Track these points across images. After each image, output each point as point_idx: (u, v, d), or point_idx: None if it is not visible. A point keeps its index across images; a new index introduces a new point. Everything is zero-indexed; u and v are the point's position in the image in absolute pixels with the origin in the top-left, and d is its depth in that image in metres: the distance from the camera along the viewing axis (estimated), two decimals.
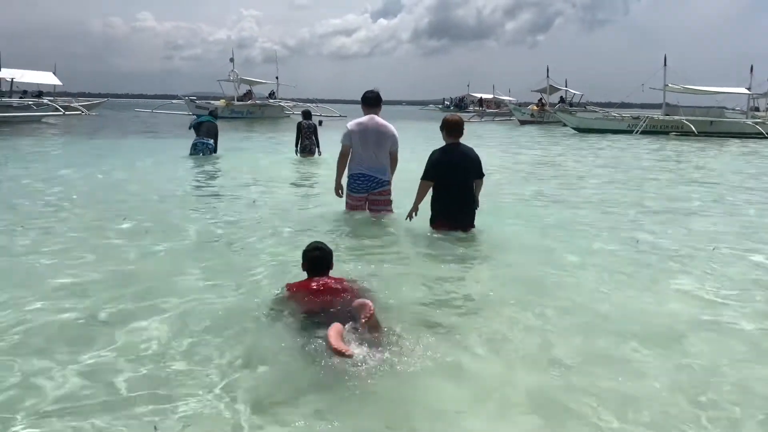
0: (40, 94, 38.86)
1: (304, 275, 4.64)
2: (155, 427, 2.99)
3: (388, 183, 7.64)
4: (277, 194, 10.50)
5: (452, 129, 6.93)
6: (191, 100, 43.83)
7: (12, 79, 34.38)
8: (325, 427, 3.06)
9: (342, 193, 7.77)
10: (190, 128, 15.89)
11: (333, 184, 7.88)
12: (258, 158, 16.68)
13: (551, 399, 3.36)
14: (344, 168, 7.68)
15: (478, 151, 7.14)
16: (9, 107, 30.81)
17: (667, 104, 36.96)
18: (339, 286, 4.40)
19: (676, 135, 32.90)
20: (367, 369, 3.48)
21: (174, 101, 50.00)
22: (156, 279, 5.39)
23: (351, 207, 7.73)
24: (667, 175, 15.13)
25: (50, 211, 8.47)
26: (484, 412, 3.26)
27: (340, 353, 3.48)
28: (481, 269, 5.99)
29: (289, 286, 4.50)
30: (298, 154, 16.08)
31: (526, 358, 3.87)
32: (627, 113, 40.65)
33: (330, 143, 7.91)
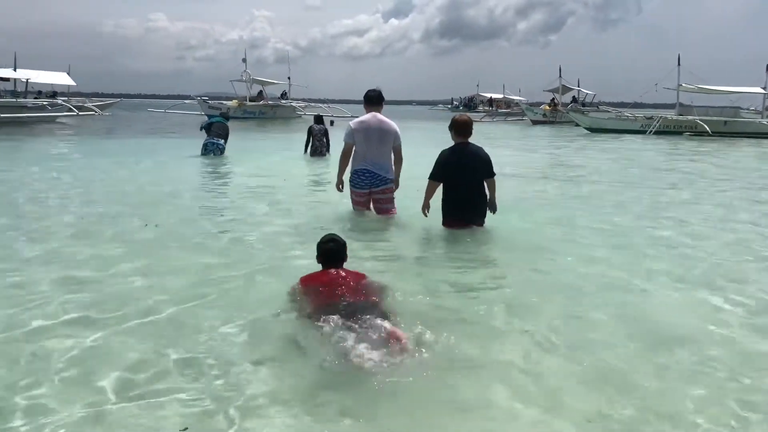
0: (54, 95, 39.20)
1: (317, 267, 4.68)
2: (186, 429, 2.99)
3: (392, 181, 7.74)
4: (287, 193, 10.52)
5: (461, 129, 6.93)
6: (204, 101, 44.04)
7: (27, 79, 34.60)
8: (349, 427, 3.05)
9: (342, 188, 7.91)
10: (201, 129, 16.05)
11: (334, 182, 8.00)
12: (269, 158, 16.75)
13: (577, 400, 3.32)
14: (346, 165, 7.82)
15: (491, 150, 7.14)
16: (24, 108, 31.05)
17: (681, 104, 36.65)
18: (353, 279, 4.44)
19: (690, 135, 32.66)
20: (387, 367, 3.48)
21: (186, 101, 50.23)
22: (168, 275, 5.44)
23: (355, 203, 7.87)
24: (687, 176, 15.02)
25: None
26: (507, 411, 3.23)
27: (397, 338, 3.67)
28: (498, 268, 5.98)
29: (303, 279, 4.54)
30: (307, 155, 16.30)
31: (548, 358, 3.85)
32: (640, 113, 40.40)
33: (340, 143, 7.93)
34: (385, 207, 7.78)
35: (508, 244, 6.74)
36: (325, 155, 16.03)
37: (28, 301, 4.68)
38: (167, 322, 4.37)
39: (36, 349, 3.83)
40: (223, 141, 15.62)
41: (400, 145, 7.73)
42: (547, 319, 4.47)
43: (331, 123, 38.65)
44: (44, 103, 33.65)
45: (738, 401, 3.34)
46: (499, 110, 62.60)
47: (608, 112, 45.29)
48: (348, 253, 4.83)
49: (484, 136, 29.57)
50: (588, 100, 54.56)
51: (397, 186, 7.83)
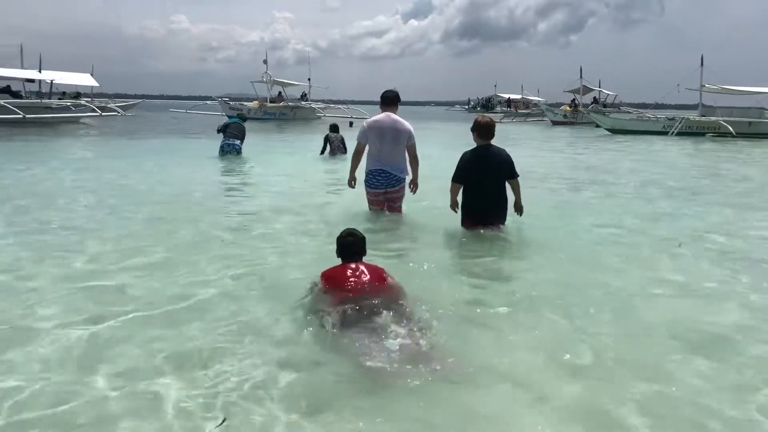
0: (78, 96, 39.62)
1: (337, 262, 4.72)
2: (224, 419, 3.03)
3: (404, 180, 7.80)
4: (306, 193, 10.59)
5: (484, 131, 6.90)
6: (225, 102, 44.32)
7: (52, 81, 35.04)
8: (371, 428, 3.05)
9: (354, 184, 7.98)
10: (218, 132, 16.18)
11: (359, 184, 8.05)
12: (288, 158, 16.87)
13: (597, 406, 3.30)
14: (357, 163, 7.91)
15: (514, 151, 7.12)
16: (48, 108, 31.46)
17: (704, 105, 36.23)
18: (371, 273, 4.48)
19: (713, 136, 32.27)
20: (408, 369, 3.48)
21: (208, 102, 50.57)
22: (190, 274, 5.49)
23: (371, 203, 7.92)
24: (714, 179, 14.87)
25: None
26: (528, 415, 3.22)
27: None
28: (519, 271, 5.93)
29: (324, 275, 4.57)
30: (325, 155, 16.49)
31: (571, 362, 3.81)
32: (662, 114, 39.99)
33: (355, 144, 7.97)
34: (397, 206, 7.89)
35: (529, 246, 6.71)
36: (344, 153, 16.14)
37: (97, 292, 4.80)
38: (183, 318, 4.41)
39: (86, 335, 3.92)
40: (238, 142, 15.75)
41: (414, 145, 7.72)
42: (570, 323, 4.44)
43: (350, 124, 38.72)
44: (68, 103, 34.06)
45: None
46: (518, 111, 62.29)
47: (629, 113, 44.87)
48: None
49: (504, 136, 29.55)
50: (609, 101, 54.10)
51: (416, 187, 7.83)
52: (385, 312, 4.02)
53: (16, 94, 32.65)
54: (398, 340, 3.76)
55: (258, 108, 43.52)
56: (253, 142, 16.30)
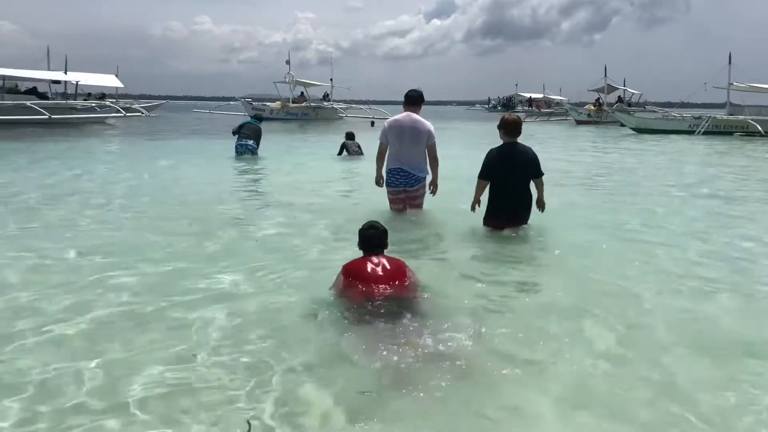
0: (103, 96, 40.07)
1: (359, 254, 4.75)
2: (248, 422, 2.99)
3: (424, 179, 7.79)
4: (325, 193, 10.54)
5: (510, 128, 6.85)
6: (248, 102, 44.52)
7: (77, 82, 35.45)
8: (395, 428, 3.02)
9: (382, 183, 7.96)
10: (233, 133, 16.23)
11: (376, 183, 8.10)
12: (309, 158, 16.86)
13: (622, 409, 3.22)
14: (382, 163, 7.90)
15: (540, 151, 7.06)
16: (74, 109, 31.82)
17: (731, 103, 35.63)
18: (392, 266, 4.50)
19: (741, 135, 31.72)
20: (429, 370, 3.45)
21: (231, 103, 50.90)
22: (209, 273, 5.47)
23: (392, 201, 7.92)
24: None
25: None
26: (551, 417, 3.16)
27: None
28: (541, 271, 5.87)
29: (345, 268, 4.59)
30: (343, 155, 16.56)
31: (593, 364, 3.73)
32: (688, 113, 39.41)
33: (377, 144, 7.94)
34: (417, 203, 7.88)
35: (554, 248, 6.57)
36: (362, 155, 16.17)
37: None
38: (202, 318, 4.39)
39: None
40: (251, 141, 15.78)
41: (434, 145, 7.69)
42: (592, 325, 4.33)
43: (372, 124, 38.68)
44: (93, 104, 34.42)
45: None
46: (541, 110, 61.87)
47: (655, 112, 44.32)
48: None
49: (529, 135, 29.28)
50: (634, 100, 53.53)
51: (435, 188, 7.77)
52: (404, 309, 4.05)
53: (42, 96, 33.06)
54: (418, 338, 3.76)
55: (280, 108, 43.75)
56: (275, 141, 16.28)
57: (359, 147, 16.61)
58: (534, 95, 71.06)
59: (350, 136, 17.04)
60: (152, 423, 3.04)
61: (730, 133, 32.27)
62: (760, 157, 20.12)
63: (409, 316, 4.00)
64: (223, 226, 7.55)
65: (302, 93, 47.53)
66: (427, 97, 8.14)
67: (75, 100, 34.56)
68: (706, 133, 32.50)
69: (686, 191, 11.51)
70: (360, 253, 4.74)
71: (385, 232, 4.82)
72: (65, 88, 36.24)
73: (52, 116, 27.40)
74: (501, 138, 6.93)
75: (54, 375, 3.48)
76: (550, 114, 59.53)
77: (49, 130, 25.44)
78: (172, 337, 4.05)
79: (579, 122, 47.92)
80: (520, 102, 73.33)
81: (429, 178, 7.77)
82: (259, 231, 7.41)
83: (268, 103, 45.01)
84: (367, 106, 50.06)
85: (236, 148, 15.79)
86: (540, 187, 6.95)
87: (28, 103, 28.04)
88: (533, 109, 63.72)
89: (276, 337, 4.06)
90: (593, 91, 52.23)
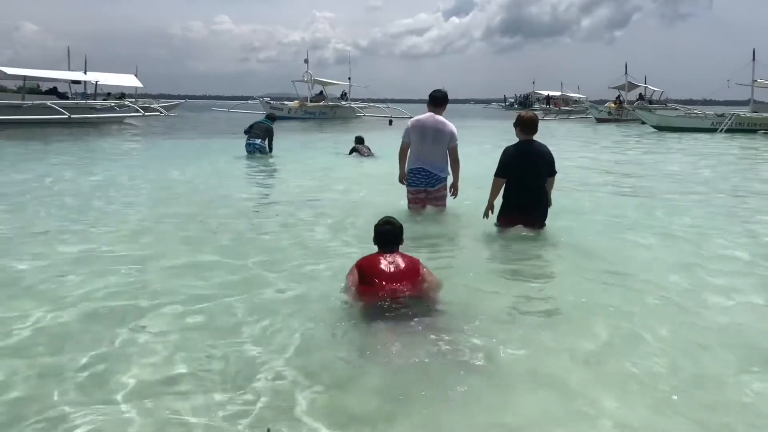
0: (122, 96, 40.42)
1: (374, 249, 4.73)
2: (268, 430, 2.93)
3: (445, 179, 7.76)
4: (341, 192, 10.43)
5: (527, 126, 6.74)
6: (267, 102, 44.56)
7: (96, 82, 35.76)
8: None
9: (406, 181, 7.93)
10: (245, 132, 16.26)
11: (394, 182, 8.12)
12: (325, 157, 16.79)
13: (640, 421, 3.08)
14: (405, 160, 7.87)
15: (564, 149, 6.88)
16: (93, 109, 32.07)
17: (755, 101, 35.09)
18: (406, 264, 4.47)
19: (765, 133, 31.19)
20: (443, 371, 3.40)
21: (249, 102, 51.05)
22: (218, 271, 5.46)
23: (411, 201, 7.88)
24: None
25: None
26: (567, 424, 3.06)
27: None
28: (559, 272, 5.74)
29: (359, 264, 4.54)
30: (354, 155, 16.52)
31: (612, 370, 3.62)
32: (710, 111, 38.86)
33: (399, 142, 7.84)
34: (438, 203, 7.84)
35: (572, 250, 6.39)
36: (372, 156, 16.19)
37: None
38: (216, 317, 4.37)
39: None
40: (259, 141, 15.79)
41: (456, 147, 7.65)
42: (604, 331, 4.18)
43: (390, 123, 38.58)
44: (112, 104, 34.70)
45: None
46: (560, 108, 61.40)
47: (676, 109, 43.81)
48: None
49: (551, 134, 29.14)
50: (655, 97, 52.94)
51: (456, 191, 7.70)
52: (415, 307, 4.06)
53: (62, 95, 33.37)
54: (427, 338, 3.75)
55: (299, 107, 43.82)
56: (293, 140, 16.24)
57: (369, 150, 16.55)
58: (552, 93, 70.38)
59: (360, 140, 16.95)
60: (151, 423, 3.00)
61: (754, 131, 31.76)
62: None
63: (420, 314, 4.00)
64: (229, 222, 7.54)
65: (321, 92, 47.56)
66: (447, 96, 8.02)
67: (95, 99, 34.86)
68: (729, 130, 31.99)
69: (732, 193, 11.23)
70: (374, 249, 4.70)
71: (400, 228, 4.77)
72: (85, 88, 36.57)
73: (72, 116, 27.62)
74: (517, 135, 6.83)
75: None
76: (570, 112, 59.10)
77: (69, 129, 25.67)
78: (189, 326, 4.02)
79: (599, 120, 47.48)
80: (538, 100, 72.76)
81: (450, 178, 7.71)
82: (269, 227, 7.41)
83: (286, 102, 45.13)
84: (385, 105, 50.03)
85: (246, 147, 15.90)
86: (550, 185, 6.87)
87: (48, 103, 28.29)
88: (551, 107, 63.17)
89: (283, 333, 4.00)
90: (614, 88, 51.71)
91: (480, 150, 16.28)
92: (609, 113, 48.23)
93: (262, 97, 48.22)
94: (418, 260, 4.62)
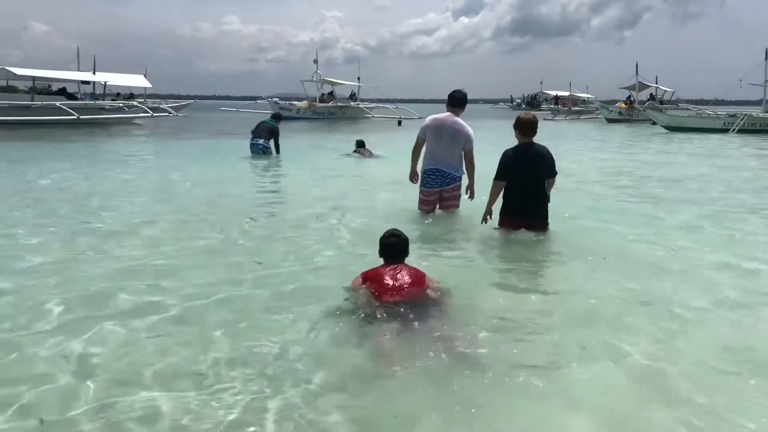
0: (131, 97, 40.55)
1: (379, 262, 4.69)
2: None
3: (460, 179, 7.72)
4: (347, 193, 10.34)
5: (526, 128, 6.68)
6: (275, 102, 44.50)
7: (105, 82, 35.87)
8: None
9: (417, 179, 7.87)
10: (251, 132, 16.21)
11: (402, 181, 8.05)
12: (329, 157, 16.74)
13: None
14: (417, 158, 7.81)
15: (575, 150, 6.76)
16: (102, 109, 32.14)
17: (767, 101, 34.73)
18: (412, 276, 4.41)
19: None
20: (450, 378, 3.37)
21: (258, 101, 51.10)
22: (224, 273, 5.44)
23: (422, 202, 7.82)
24: None
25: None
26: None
27: None
28: (563, 276, 5.58)
29: (364, 276, 4.52)
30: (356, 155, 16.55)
31: (620, 378, 3.52)
32: (722, 111, 38.51)
33: (410, 141, 7.77)
34: (451, 203, 7.77)
35: (575, 251, 6.26)
36: (373, 157, 16.23)
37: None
38: (221, 317, 4.37)
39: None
40: (262, 140, 15.73)
41: (471, 149, 7.61)
42: (618, 335, 4.09)
43: (399, 123, 38.49)
44: (121, 104, 34.77)
45: None
46: (570, 108, 61.05)
47: (688, 110, 43.48)
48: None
49: (562, 135, 29.00)
50: (666, 97, 52.57)
51: (473, 193, 7.57)
52: (421, 319, 4.03)
53: (71, 96, 33.48)
54: (437, 343, 3.74)
55: (307, 108, 43.76)
56: (301, 141, 16.18)
57: (371, 152, 16.52)
58: (560, 93, 69.90)
59: (360, 144, 16.93)
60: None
61: (767, 132, 31.39)
62: None
63: (426, 322, 4.00)
64: (229, 223, 7.45)
65: (331, 92, 47.49)
66: None
67: (103, 100, 34.95)
68: (740, 131, 31.67)
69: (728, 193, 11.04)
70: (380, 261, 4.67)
71: (406, 240, 4.75)
72: (94, 89, 36.67)
73: (81, 116, 27.66)
74: (516, 137, 6.79)
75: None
76: (580, 112, 58.84)
77: (78, 129, 25.71)
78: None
79: (610, 120, 47.20)
80: (546, 100, 72.35)
81: (465, 177, 7.66)
82: (269, 229, 7.34)
83: (295, 102, 45.07)
84: (394, 106, 49.93)
85: (250, 147, 15.87)
86: (550, 186, 6.81)
87: (57, 103, 28.34)
88: (559, 107, 62.77)
89: (285, 344, 3.91)
90: (624, 88, 51.38)
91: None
92: (620, 113, 47.95)
93: (270, 97, 48.19)
94: (424, 272, 4.56)
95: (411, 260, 4.84)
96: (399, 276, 4.36)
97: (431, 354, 3.64)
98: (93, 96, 35.35)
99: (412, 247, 4.89)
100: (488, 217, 6.81)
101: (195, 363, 3.64)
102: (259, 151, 15.64)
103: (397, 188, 7.82)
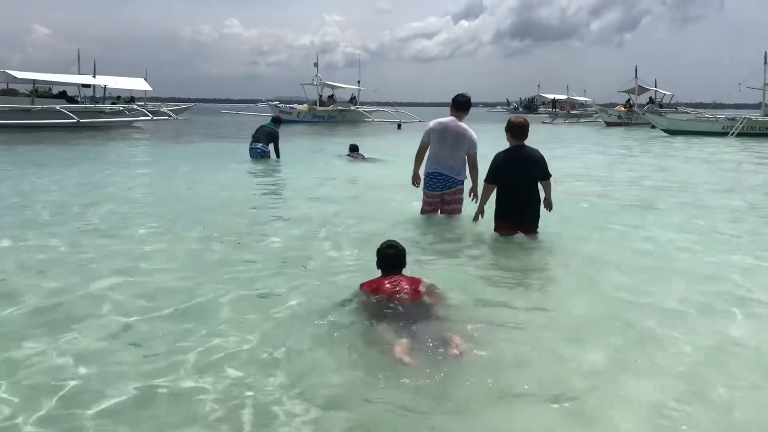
0: (131, 100, 40.60)
1: (377, 273, 4.70)
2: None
3: (462, 182, 7.75)
4: (347, 196, 10.37)
5: (517, 131, 6.76)
6: (275, 106, 44.52)
7: (105, 86, 35.89)
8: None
9: (418, 183, 7.91)
10: (252, 136, 16.21)
11: (402, 185, 8.16)
12: (327, 161, 16.78)
13: None
14: (420, 161, 7.88)
15: (575, 154, 6.81)
16: (102, 113, 32.17)
17: (767, 104, 34.75)
18: (411, 286, 4.43)
19: None
20: (445, 383, 3.38)
21: (258, 104, 51.07)
22: (225, 274, 5.45)
23: (426, 204, 7.86)
24: None
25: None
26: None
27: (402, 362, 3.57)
28: (559, 281, 5.63)
29: (363, 285, 4.54)
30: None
31: (621, 383, 3.52)
32: (721, 114, 38.54)
33: (409, 145, 7.85)
34: (453, 207, 7.79)
35: (571, 255, 6.33)
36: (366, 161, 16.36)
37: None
38: (226, 318, 4.42)
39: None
40: (260, 144, 15.70)
41: (475, 154, 7.64)
42: (609, 338, 4.13)
43: (399, 127, 38.50)
44: (121, 108, 34.80)
45: None
46: (568, 112, 60.98)
47: (687, 113, 43.50)
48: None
49: (563, 138, 29.01)
50: (666, 101, 52.60)
51: (476, 195, 7.49)
52: (423, 321, 4.05)
53: (72, 100, 33.45)
54: (436, 345, 3.76)
55: (307, 111, 43.79)
56: (301, 144, 16.20)
57: (363, 156, 16.61)
58: (558, 96, 69.76)
59: (354, 148, 16.98)
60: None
61: (766, 135, 31.44)
62: None
63: (424, 326, 3.99)
64: (229, 229, 7.43)
65: (331, 95, 47.52)
66: None
67: (103, 103, 34.97)
68: (740, 134, 31.71)
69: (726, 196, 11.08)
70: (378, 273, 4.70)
71: (404, 251, 4.79)
72: (94, 92, 36.68)
73: (81, 120, 27.64)
74: (508, 141, 6.86)
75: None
76: (579, 116, 58.81)
77: (78, 133, 25.70)
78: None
79: (609, 124, 47.20)
80: (543, 103, 72.23)
81: (468, 182, 7.69)
82: (270, 232, 7.38)
83: (295, 106, 45.09)
84: (394, 109, 49.95)
85: (249, 151, 15.89)
86: (548, 189, 6.87)
87: (57, 107, 28.35)
88: (557, 110, 62.63)
89: (285, 350, 3.92)
90: (623, 92, 51.40)
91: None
92: (619, 117, 47.92)
93: (270, 101, 48.22)
94: (421, 280, 4.59)
95: (409, 264, 4.88)
96: (398, 287, 4.38)
97: (428, 357, 3.66)
98: (93, 99, 35.36)
99: (410, 251, 4.90)
100: (480, 215, 6.90)
101: (195, 362, 3.69)
102: (257, 155, 15.62)
103: (398, 192, 7.83)
